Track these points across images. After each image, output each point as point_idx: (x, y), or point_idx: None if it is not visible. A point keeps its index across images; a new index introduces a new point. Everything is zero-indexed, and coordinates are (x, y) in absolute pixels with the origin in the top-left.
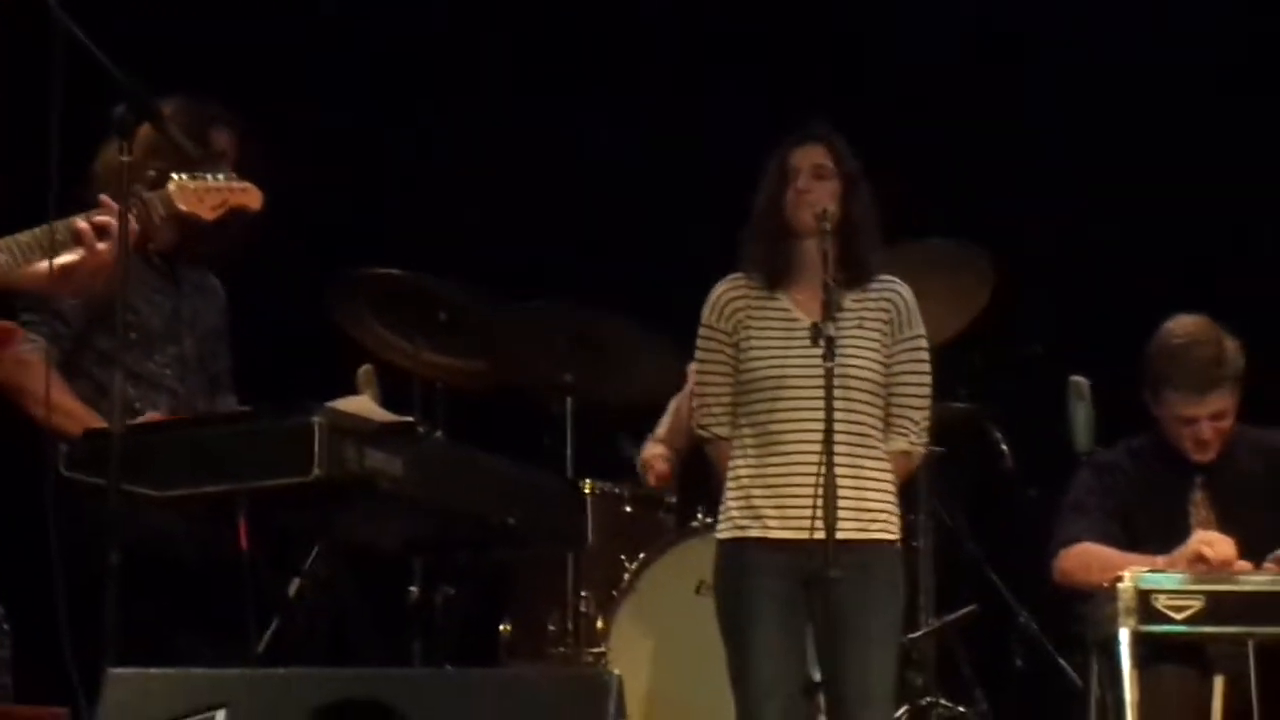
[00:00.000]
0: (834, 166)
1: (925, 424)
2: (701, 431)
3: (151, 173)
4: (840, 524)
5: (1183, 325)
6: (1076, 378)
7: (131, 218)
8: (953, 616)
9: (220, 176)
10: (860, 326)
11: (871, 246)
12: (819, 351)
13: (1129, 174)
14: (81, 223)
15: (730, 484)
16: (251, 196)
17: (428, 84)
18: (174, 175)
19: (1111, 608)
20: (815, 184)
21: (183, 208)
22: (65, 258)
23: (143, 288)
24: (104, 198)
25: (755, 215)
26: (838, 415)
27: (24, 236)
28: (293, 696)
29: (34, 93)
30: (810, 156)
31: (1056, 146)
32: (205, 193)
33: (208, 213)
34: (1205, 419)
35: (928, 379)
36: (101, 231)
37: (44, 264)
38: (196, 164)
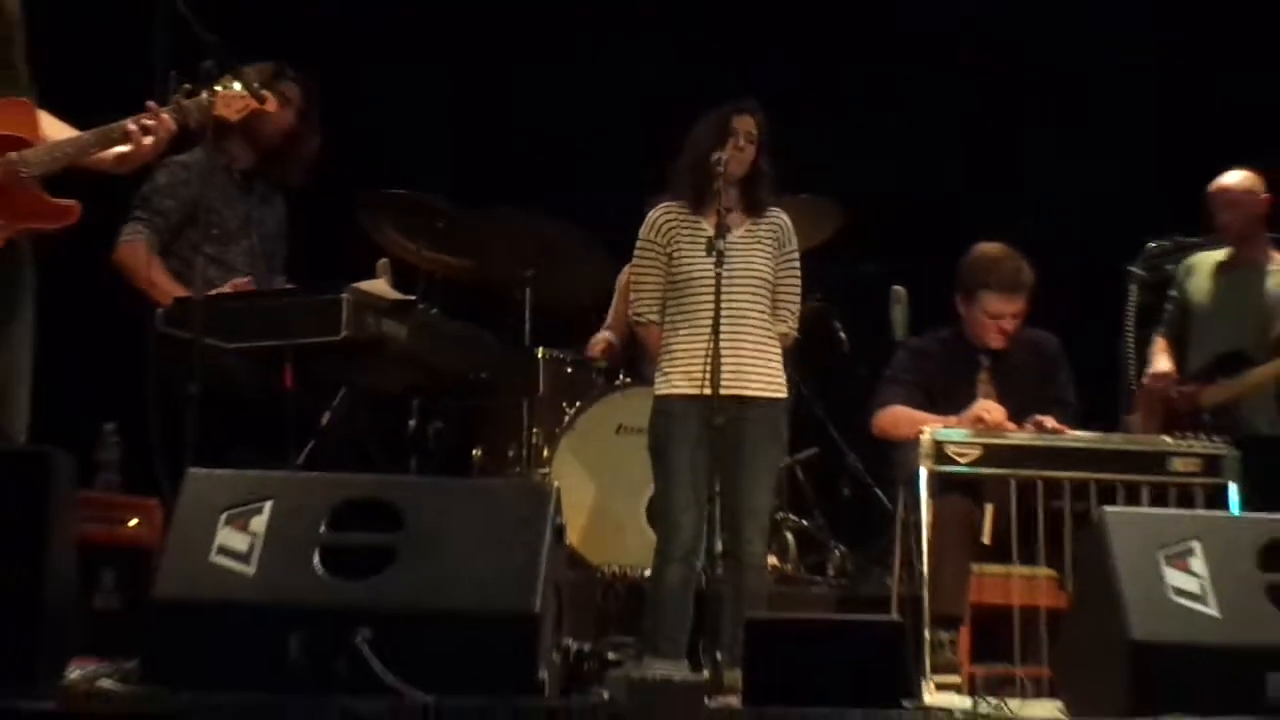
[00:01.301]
0: (758, 134)
1: (798, 313)
2: (637, 319)
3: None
4: (724, 383)
5: (994, 245)
6: (897, 287)
7: (170, 118)
8: (800, 456)
9: (242, 86)
10: (759, 242)
11: (769, 189)
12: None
13: (943, 142)
14: (131, 124)
15: (662, 356)
16: (268, 102)
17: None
18: (224, 85)
19: (915, 453)
20: (749, 147)
21: (219, 111)
22: (120, 149)
23: (225, 196)
24: (150, 104)
25: (692, 158)
26: (725, 305)
27: (89, 134)
28: (320, 493)
29: (138, 41)
30: (747, 124)
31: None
32: (230, 99)
33: (233, 115)
34: (1010, 315)
35: (800, 282)
36: (145, 130)
37: (107, 153)
38: (263, 105)
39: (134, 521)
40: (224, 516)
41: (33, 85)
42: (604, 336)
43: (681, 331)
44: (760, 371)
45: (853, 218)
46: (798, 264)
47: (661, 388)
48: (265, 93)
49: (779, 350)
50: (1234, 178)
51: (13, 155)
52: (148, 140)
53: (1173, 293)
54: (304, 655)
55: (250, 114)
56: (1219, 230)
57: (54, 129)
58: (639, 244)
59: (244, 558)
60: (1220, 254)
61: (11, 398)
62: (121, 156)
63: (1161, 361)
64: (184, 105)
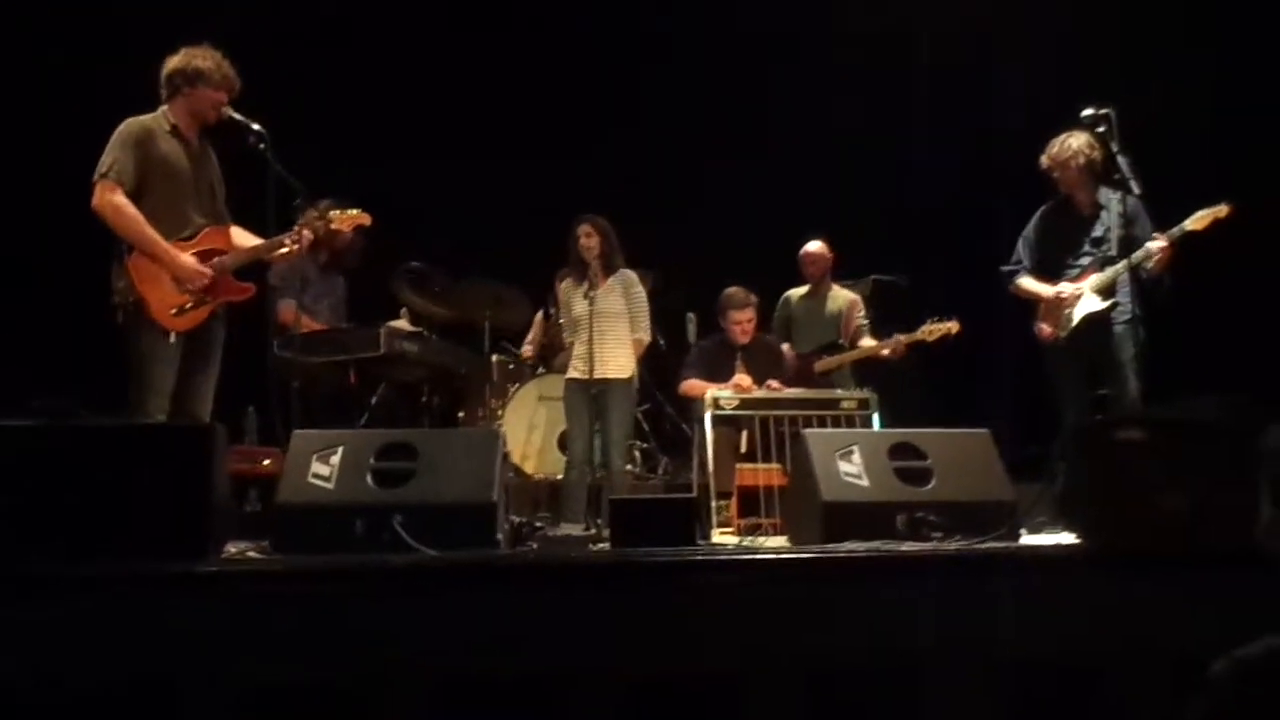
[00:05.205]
0: (593, 230)
1: (647, 327)
2: (566, 336)
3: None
4: (596, 370)
5: (734, 288)
6: (690, 313)
7: (309, 232)
8: (642, 408)
9: (353, 210)
10: (613, 291)
11: (618, 260)
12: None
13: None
14: (287, 238)
15: (573, 355)
16: (365, 218)
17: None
18: (331, 212)
19: (702, 405)
20: (588, 240)
21: (334, 226)
22: (282, 250)
23: (314, 274)
24: (298, 225)
25: (569, 254)
26: (595, 329)
27: (261, 244)
28: (371, 441)
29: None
30: (584, 229)
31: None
32: (344, 219)
33: (347, 227)
34: (745, 321)
35: (645, 310)
36: (297, 240)
37: (273, 253)
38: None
39: (266, 462)
40: (315, 456)
41: (228, 216)
42: (528, 349)
43: (573, 344)
44: (615, 364)
45: (675, 275)
46: (643, 301)
47: (570, 374)
48: (364, 214)
49: (629, 351)
50: (815, 246)
51: (216, 260)
52: (297, 246)
53: (779, 311)
54: (364, 532)
55: (343, 229)
56: (806, 278)
57: (240, 237)
58: (559, 300)
59: (328, 479)
60: (803, 290)
61: (206, 399)
62: (283, 255)
63: (786, 347)
64: (315, 224)
